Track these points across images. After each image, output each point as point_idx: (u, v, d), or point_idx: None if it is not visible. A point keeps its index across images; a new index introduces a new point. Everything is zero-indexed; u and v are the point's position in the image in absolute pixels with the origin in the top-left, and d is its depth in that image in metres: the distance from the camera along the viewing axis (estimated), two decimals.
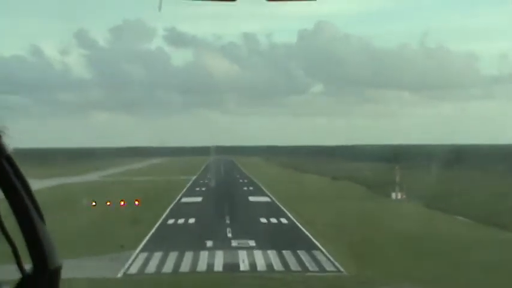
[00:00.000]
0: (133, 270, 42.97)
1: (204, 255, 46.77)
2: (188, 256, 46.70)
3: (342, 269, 42.26)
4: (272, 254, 46.87)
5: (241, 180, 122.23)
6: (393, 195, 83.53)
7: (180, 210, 73.76)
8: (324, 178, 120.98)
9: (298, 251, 47.61)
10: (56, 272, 2.38)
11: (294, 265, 43.65)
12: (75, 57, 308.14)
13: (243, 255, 46.37)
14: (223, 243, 50.67)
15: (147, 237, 54.66)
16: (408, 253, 48.11)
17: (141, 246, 50.76)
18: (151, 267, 44.00)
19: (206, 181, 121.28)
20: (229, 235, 54.94)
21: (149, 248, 49.62)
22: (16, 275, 2.29)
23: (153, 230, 58.46)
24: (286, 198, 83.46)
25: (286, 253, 47.07)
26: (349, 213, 69.70)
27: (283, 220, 64.71)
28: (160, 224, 62.29)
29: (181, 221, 64.09)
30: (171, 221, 64.15)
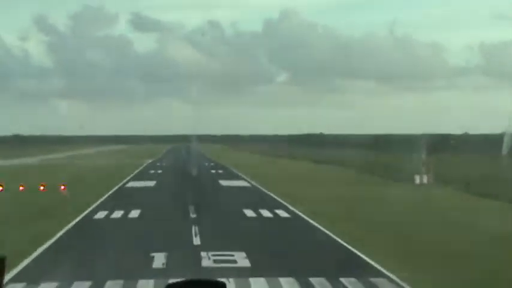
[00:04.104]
0: None
1: None
2: None
3: None
4: (287, 284, 20.87)
5: (206, 164, 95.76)
6: (417, 179, 58.00)
7: (122, 198, 47.40)
8: (307, 163, 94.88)
9: (342, 279, 21.57)
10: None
11: None
12: (35, 43, 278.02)
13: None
14: (185, 260, 24.55)
15: (47, 244, 28.18)
16: None
17: (28, 260, 24.35)
18: None
19: (164, 164, 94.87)
20: (197, 241, 28.77)
21: (42, 269, 23.19)
22: None
23: (63, 231, 31.90)
24: (272, 182, 57.51)
25: (318, 282, 21.09)
26: (375, 203, 43.92)
27: (282, 213, 38.54)
28: (80, 221, 35.66)
29: (117, 214, 37.58)
30: (100, 215, 37.56)
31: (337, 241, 28.92)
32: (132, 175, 70.36)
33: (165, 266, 23.79)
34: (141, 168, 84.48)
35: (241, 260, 24.54)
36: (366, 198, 46.54)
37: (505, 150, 62.77)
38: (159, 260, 24.66)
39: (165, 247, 26.84)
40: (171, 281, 18.82)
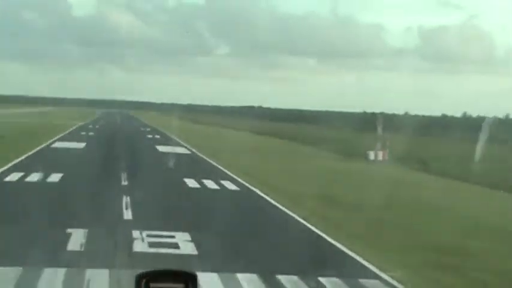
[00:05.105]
0: None
1: (50, 281, 14.61)
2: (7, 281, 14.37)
3: None
4: (250, 283, 15.11)
5: (142, 129, 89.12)
6: (371, 155, 52.79)
7: (44, 158, 40.79)
8: (248, 133, 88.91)
9: (321, 279, 15.82)
10: None
11: None
12: None
13: None
14: (111, 241, 18.53)
15: None
16: None
17: None
18: None
19: (97, 126, 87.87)
20: (128, 216, 22.69)
21: None
22: None
23: None
24: (213, 151, 51.51)
25: (289, 281, 15.34)
26: (330, 177, 38.39)
27: (229, 185, 32.53)
28: None
29: (33, 177, 31.07)
30: (12, 177, 30.97)
31: (297, 220, 23.22)
32: (60, 135, 63.50)
33: (83, 248, 17.68)
34: (71, 129, 77.44)
35: (185, 244, 18.59)
36: (324, 173, 41.01)
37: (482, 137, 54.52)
38: (76, 239, 18.54)
39: (87, 221, 20.69)
40: (90, 271, 11.71)
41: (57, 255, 16.67)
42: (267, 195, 29.54)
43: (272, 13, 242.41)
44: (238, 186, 32.07)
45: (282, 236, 21.20)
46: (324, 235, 21.17)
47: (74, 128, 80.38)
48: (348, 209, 26.96)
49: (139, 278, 3.42)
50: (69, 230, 19.41)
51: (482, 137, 46.89)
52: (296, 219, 23.92)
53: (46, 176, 31.34)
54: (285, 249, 19.04)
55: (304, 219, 23.64)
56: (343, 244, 19.76)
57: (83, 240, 18.41)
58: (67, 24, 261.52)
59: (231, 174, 36.60)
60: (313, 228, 22.28)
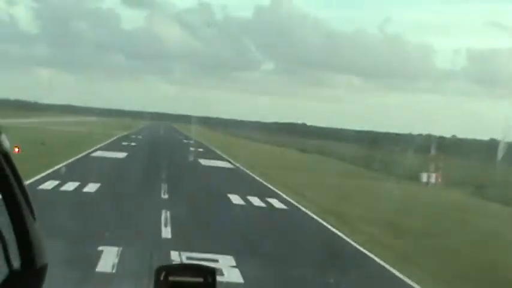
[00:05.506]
0: None
1: None
2: None
3: None
4: None
5: (185, 141, 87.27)
6: (423, 177, 49.97)
7: (82, 167, 38.90)
8: (294, 151, 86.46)
9: None
10: (43, 269, 2.12)
11: None
12: (22, 8, 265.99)
13: None
14: (147, 263, 16.34)
15: None
16: None
17: None
18: None
19: (140, 137, 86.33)
20: (166, 234, 20.49)
21: None
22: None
23: None
24: (259, 167, 49.25)
25: None
26: (387, 201, 35.75)
27: (276, 203, 30.17)
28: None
29: (69, 186, 29.10)
30: (47, 185, 29.03)
31: (359, 249, 20.79)
32: (101, 144, 61.83)
33: (115, 270, 15.53)
34: (113, 138, 75.92)
35: (229, 270, 16.32)
36: (381, 196, 38.38)
37: (499, 156, 56.00)
38: (108, 258, 16.41)
39: (121, 238, 18.56)
40: None
41: (84, 277, 14.56)
42: (317, 215, 27.20)
43: (320, 30, 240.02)
44: (285, 205, 29.74)
45: (339, 265, 18.81)
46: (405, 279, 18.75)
47: (117, 137, 78.90)
48: (414, 238, 24.48)
49: (158, 271, 3.37)
50: (100, 248, 17.30)
51: None
52: (354, 246, 21.51)
53: (82, 185, 29.37)
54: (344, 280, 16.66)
55: (370, 251, 21.21)
56: None
57: (115, 260, 16.27)
58: (116, 36, 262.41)
59: (276, 190, 34.31)
60: (383, 263, 19.87)
